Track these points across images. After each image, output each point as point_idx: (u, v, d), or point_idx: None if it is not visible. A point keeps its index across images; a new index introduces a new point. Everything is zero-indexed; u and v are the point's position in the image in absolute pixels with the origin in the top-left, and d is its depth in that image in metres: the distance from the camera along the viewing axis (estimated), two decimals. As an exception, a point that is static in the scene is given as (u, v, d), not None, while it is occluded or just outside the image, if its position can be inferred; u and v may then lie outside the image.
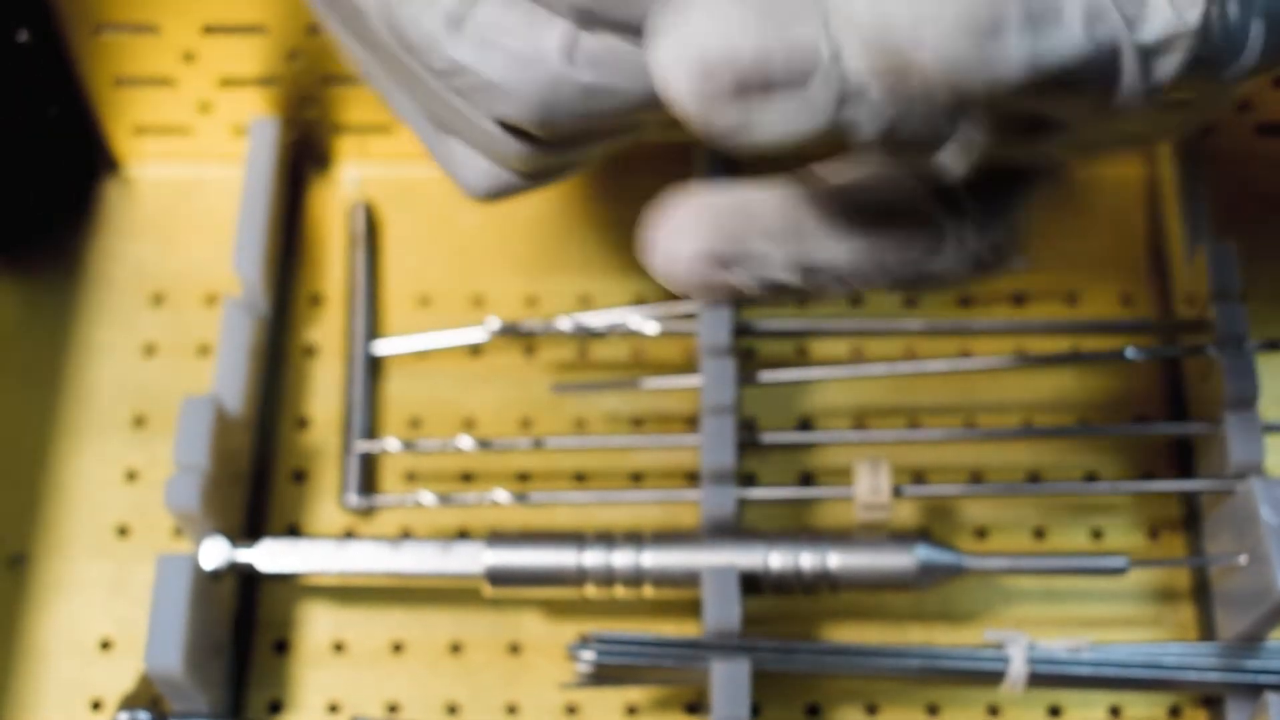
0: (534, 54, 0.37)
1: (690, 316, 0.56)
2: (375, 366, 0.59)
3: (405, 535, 0.56)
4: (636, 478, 0.57)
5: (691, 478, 0.56)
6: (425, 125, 0.43)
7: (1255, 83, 0.58)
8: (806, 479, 0.57)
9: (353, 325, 0.59)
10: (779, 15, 0.32)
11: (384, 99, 0.44)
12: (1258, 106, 0.59)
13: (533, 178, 0.42)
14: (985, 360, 0.55)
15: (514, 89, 0.38)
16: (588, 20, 0.37)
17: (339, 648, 0.55)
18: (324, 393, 0.58)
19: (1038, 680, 0.50)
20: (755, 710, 0.53)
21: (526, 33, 0.38)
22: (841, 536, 0.51)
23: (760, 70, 0.31)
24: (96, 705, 0.53)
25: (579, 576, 0.51)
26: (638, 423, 0.58)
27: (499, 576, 0.52)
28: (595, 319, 0.57)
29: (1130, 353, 0.54)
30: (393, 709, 0.54)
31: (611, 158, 0.62)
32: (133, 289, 0.60)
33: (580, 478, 0.57)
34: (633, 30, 0.37)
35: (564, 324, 0.57)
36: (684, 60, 0.32)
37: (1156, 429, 0.56)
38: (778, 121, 0.32)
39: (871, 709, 0.53)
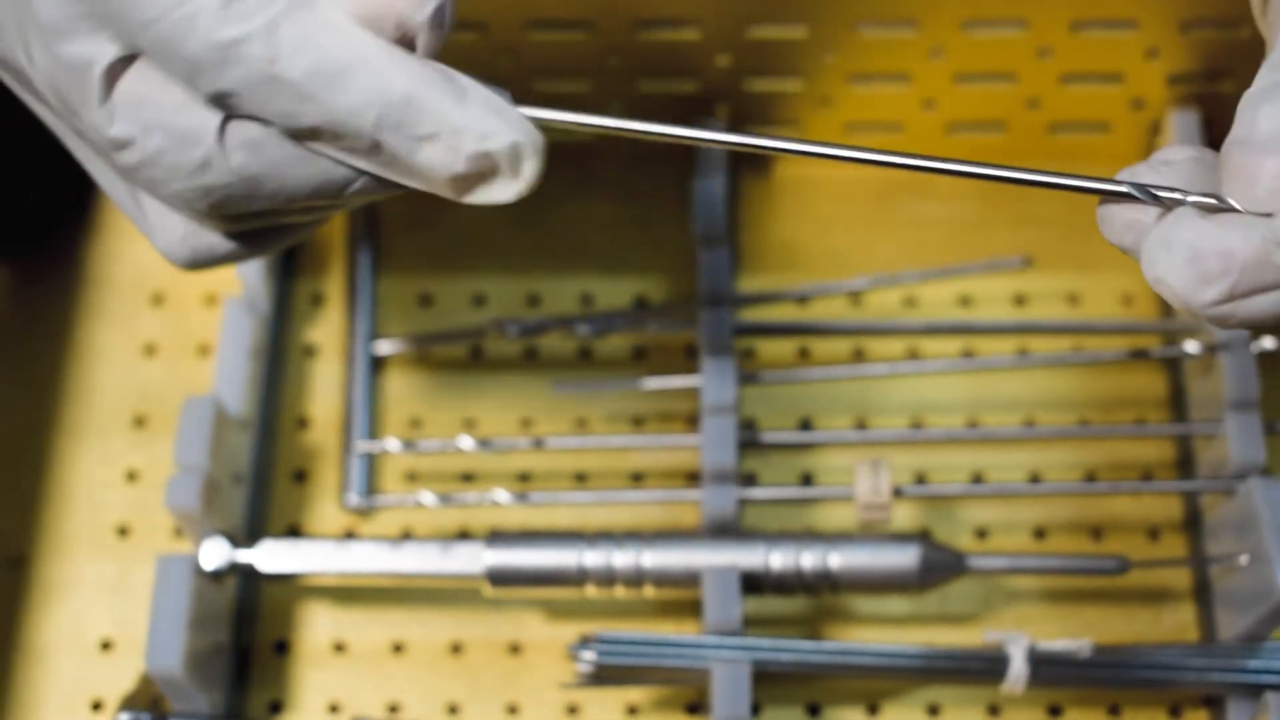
0: (189, 134, 0.38)
1: (690, 317, 0.56)
2: (376, 366, 0.59)
3: (406, 535, 0.56)
4: (637, 478, 0.57)
5: (692, 478, 0.56)
6: (119, 186, 0.41)
7: None
8: (807, 479, 0.57)
9: (353, 325, 0.59)
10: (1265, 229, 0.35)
11: (76, 157, 0.42)
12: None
13: (238, 246, 0.42)
14: (986, 360, 0.55)
15: (170, 170, 0.38)
16: (231, 108, 0.37)
17: (339, 648, 0.55)
18: (324, 392, 0.58)
19: (1038, 680, 0.50)
20: (755, 710, 0.53)
21: (180, 112, 0.38)
22: (842, 536, 0.51)
23: (1251, 276, 0.35)
24: (97, 705, 0.53)
25: (579, 576, 0.51)
26: (638, 422, 0.58)
27: (499, 576, 0.52)
28: (595, 318, 0.57)
29: (1131, 355, 0.54)
30: (393, 709, 0.54)
31: (611, 157, 0.62)
32: (133, 289, 0.60)
33: (581, 478, 0.57)
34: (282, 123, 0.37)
35: (564, 324, 0.57)
36: (1183, 264, 0.36)
37: (1157, 430, 0.56)
38: (1264, 307, 0.36)
39: (872, 708, 0.53)
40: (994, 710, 0.53)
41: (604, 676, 0.50)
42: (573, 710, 0.53)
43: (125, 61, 0.37)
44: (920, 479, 0.57)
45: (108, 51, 0.37)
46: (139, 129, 0.38)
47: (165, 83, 0.37)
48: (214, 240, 0.41)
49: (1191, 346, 0.54)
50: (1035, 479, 0.57)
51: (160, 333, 0.59)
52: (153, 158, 0.38)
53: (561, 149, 0.59)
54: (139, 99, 0.38)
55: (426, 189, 0.39)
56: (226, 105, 0.37)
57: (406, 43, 0.37)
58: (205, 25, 0.36)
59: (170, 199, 0.39)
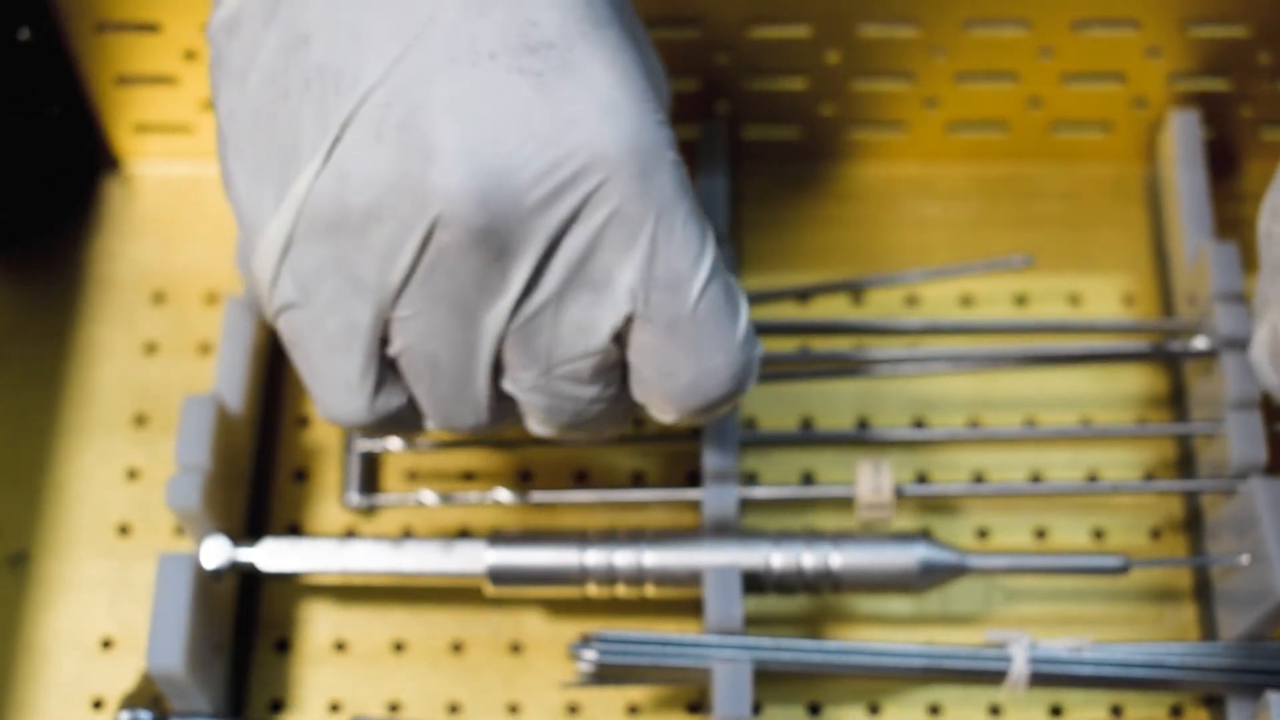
0: (345, 386, 0.45)
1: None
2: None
3: (407, 534, 0.56)
4: (638, 477, 0.57)
5: (693, 477, 0.56)
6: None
7: None
8: (808, 478, 0.57)
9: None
10: None
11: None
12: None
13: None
14: (987, 360, 0.55)
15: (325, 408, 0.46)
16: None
17: (340, 647, 0.55)
18: (325, 392, 0.58)
19: (1039, 680, 0.50)
20: (756, 709, 0.53)
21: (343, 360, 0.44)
22: (843, 536, 0.51)
23: None
24: (98, 704, 0.53)
25: (581, 575, 0.51)
26: (639, 422, 0.58)
27: (500, 576, 0.52)
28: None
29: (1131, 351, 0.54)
30: (394, 708, 0.54)
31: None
32: (134, 287, 0.60)
33: (582, 477, 0.57)
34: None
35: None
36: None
37: (1158, 429, 0.56)
38: None
39: (873, 708, 0.53)
40: (995, 710, 0.53)
41: (605, 676, 0.50)
42: (574, 709, 0.53)
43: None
44: (921, 478, 0.57)
45: None
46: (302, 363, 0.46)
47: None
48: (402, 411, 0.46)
49: (1194, 344, 0.54)
50: (1036, 478, 0.57)
51: (161, 331, 0.59)
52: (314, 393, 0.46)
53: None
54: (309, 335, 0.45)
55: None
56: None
57: None
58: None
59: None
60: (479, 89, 0.41)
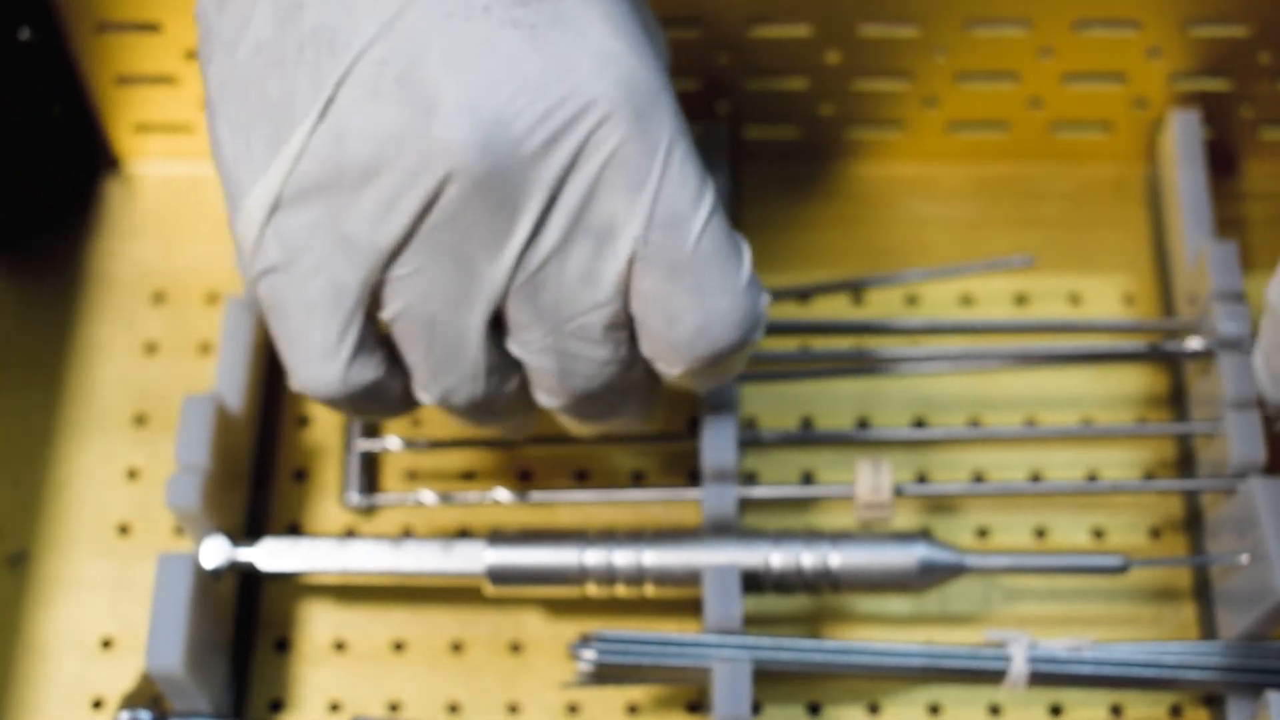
0: (321, 351, 0.44)
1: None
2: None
3: (406, 534, 0.56)
4: (638, 477, 0.57)
5: (693, 476, 0.56)
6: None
7: None
8: (808, 478, 0.57)
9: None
10: None
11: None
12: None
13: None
14: (987, 360, 0.55)
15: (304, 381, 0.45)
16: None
17: (340, 647, 0.55)
18: (325, 391, 0.58)
19: (1039, 679, 0.50)
20: (756, 709, 0.53)
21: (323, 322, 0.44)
22: (843, 535, 0.51)
23: None
24: (98, 704, 0.53)
25: (580, 575, 0.51)
26: (639, 422, 0.58)
27: (500, 575, 0.52)
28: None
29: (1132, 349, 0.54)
30: (394, 708, 0.54)
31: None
32: (134, 287, 0.60)
33: (582, 476, 0.57)
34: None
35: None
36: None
37: (1158, 429, 0.56)
38: None
39: (873, 708, 0.53)
40: (995, 710, 0.53)
41: (604, 675, 0.50)
42: (573, 709, 0.53)
43: None
44: (921, 478, 0.57)
45: None
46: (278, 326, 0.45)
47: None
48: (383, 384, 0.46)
49: (1193, 343, 0.54)
50: (1036, 478, 0.57)
51: (161, 331, 0.59)
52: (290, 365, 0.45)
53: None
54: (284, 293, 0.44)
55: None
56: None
57: None
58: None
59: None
60: (474, 42, 0.41)
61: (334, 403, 0.45)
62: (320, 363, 0.44)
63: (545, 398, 0.46)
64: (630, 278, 0.43)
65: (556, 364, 0.45)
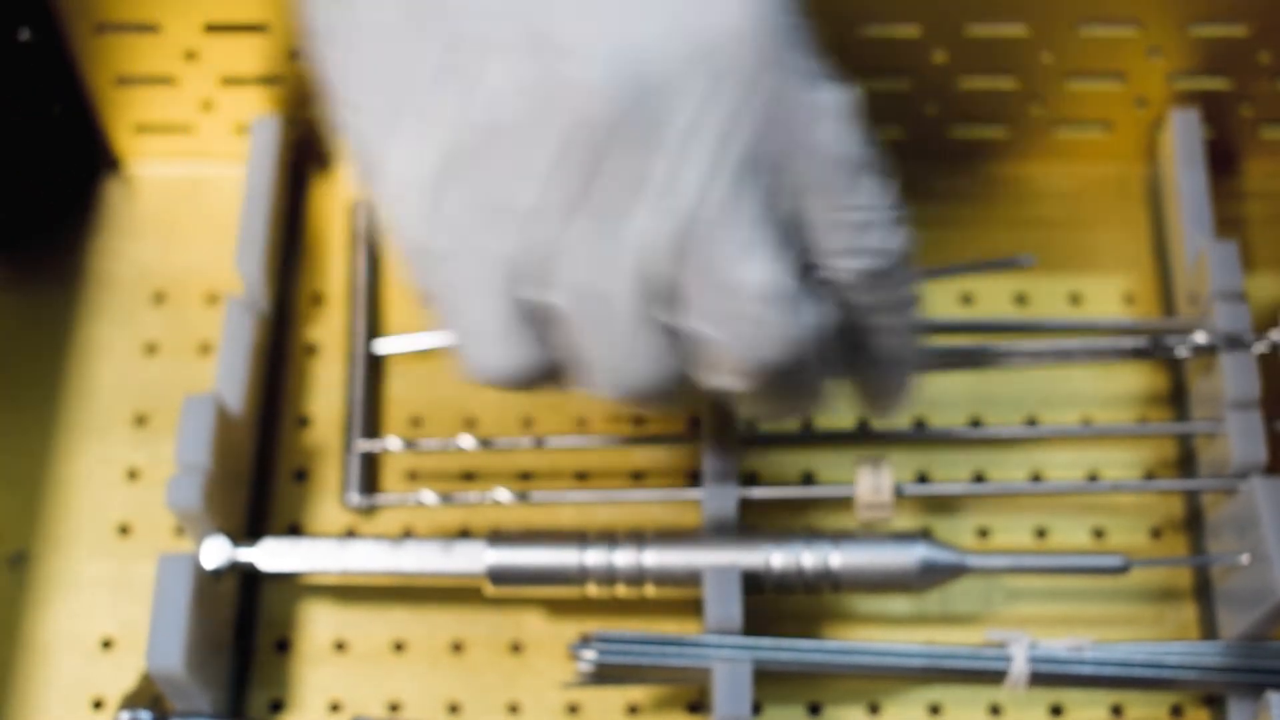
0: (492, 335, 0.42)
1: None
2: (377, 365, 0.59)
3: (407, 534, 0.56)
4: (638, 476, 0.57)
5: (693, 476, 0.56)
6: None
7: None
8: (808, 478, 0.57)
9: (354, 324, 0.59)
10: None
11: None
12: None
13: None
14: (990, 358, 0.55)
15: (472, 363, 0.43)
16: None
17: (340, 647, 0.55)
18: (325, 391, 0.58)
19: (1039, 679, 0.50)
20: (757, 709, 0.53)
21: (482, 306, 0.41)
22: (843, 535, 0.51)
23: None
24: (98, 704, 0.53)
25: (581, 575, 0.51)
26: (639, 421, 0.58)
27: (500, 575, 0.52)
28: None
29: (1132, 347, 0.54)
30: (394, 708, 0.54)
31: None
32: (134, 288, 0.60)
33: (582, 476, 0.57)
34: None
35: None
36: None
37: (1158, 428, 0.56)
38: None
39: (873, 708, 0.53)
40: (995, 710, 0.53)
41: (605, 675, 0.50)
42: (574, 709, 0.53)
43: None
44: (921, 478, 0.57)
45: None
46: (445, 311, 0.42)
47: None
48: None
49: (1197, 337, 0.54)
50: (1036, 478, 0.57)
51: (161, 331, 0.59)
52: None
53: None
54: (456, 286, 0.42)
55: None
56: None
57: None
58: None
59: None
60: None
61: (508, 385, 0.42)
62: (490, 345, 0.42)
63: (722, 378, 0.42)
64: (799, 216, 0.41)
65: (728, 331, 0.41)
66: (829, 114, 0.41)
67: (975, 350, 0.55)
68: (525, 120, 0.39)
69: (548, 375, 0.42)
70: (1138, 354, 0.55)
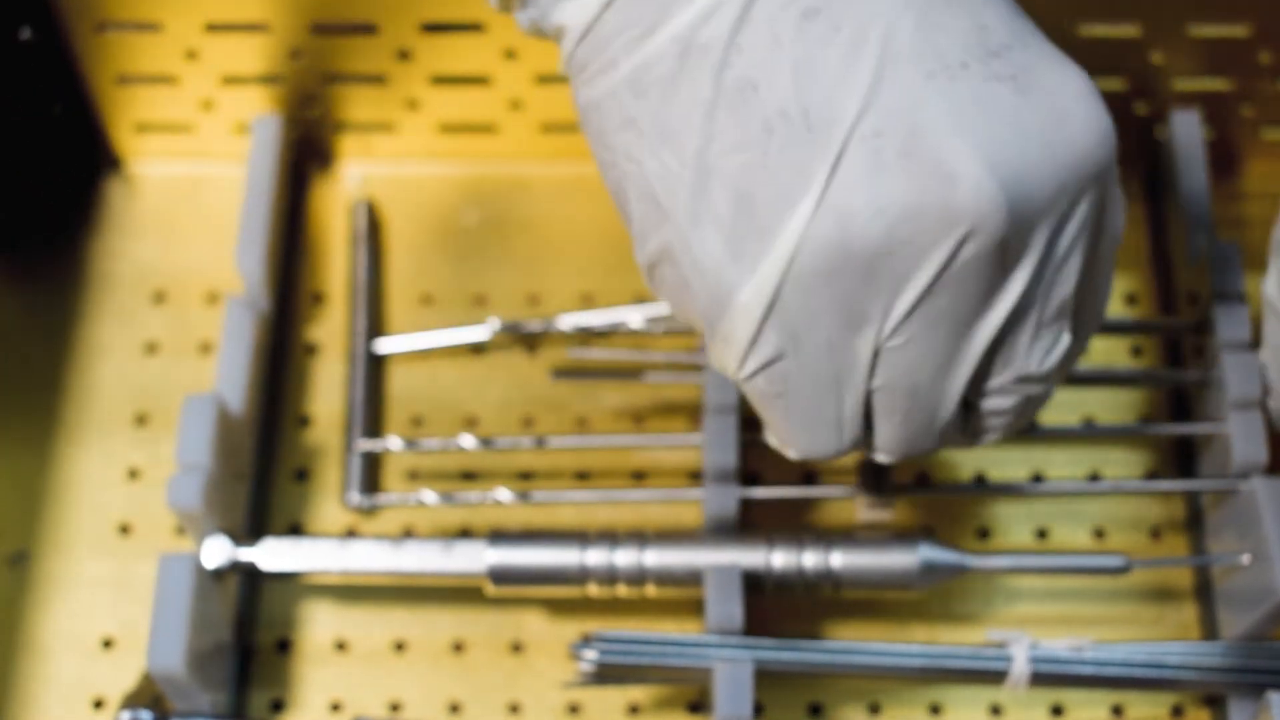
0: (835, 425, 0.44)
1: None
2: (377, 365, 0.59)
3: (407, 534, 0.56)
4: (639, 476, 0.57)
5: (694, 476, 0.56)
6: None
7: None
8: (809, 478, 0.57)
9: (355, 324, 0.59)
10: None
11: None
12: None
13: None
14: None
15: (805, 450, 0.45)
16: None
17: (341, 646, 0.55)
18: (326, 391, 0.58)
19: (1040, 680, 0.50)
20: (757, 709, 0.53)
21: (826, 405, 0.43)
22: (844, 536, 0.51)
23: None
24: (98, 704, 0.53)
25: (581, 575, 0.51)
26: (640, 421, 0.58)
27: (501, 575, 0.52)
28: (596, 318, 0.57)
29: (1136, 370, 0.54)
30: (395, 708, 0.54)
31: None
32: (135, 287, 0.60)
33: (583, 476, 0.57)
34: None
35: (565, 323, 0.57)
36: None
37: (1159, 429, 0.56)
38: None
39: (874, 708, 0.53)
40: (996, 710, 0.53)
41: (606, 675, 0.50)
42: (574, 709, 0.53)
43: None
44: (922, 478, 0.57)
45: None
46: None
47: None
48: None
49: (1191, 375, 0.54)
50: (1037, 478, 0.57)
51: (162, 331, 0.59)
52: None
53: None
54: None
55: None
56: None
57: None
58: None
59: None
60: (968, 101, 0.39)
61: (818, 460, 0.45)
62: (834, 435, 0.44)
63: (990, 437, 0.46)
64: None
65: (1016, 401, 0.44)
66: (1118, 201, 0.43)
67: None
68: (897, 240, 0.40)
69: (848, 451, 0.45)
70: (1135, 378, 0.55)
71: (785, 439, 0.45)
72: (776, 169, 0.40)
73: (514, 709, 0.54)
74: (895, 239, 0.39)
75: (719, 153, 0.40)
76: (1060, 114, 0.40)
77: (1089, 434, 0.57)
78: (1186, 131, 0.58)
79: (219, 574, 0.51)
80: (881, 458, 0.46)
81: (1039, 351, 0.43)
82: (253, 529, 0.56)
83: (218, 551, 0.51)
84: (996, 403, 0.44)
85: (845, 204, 0.39)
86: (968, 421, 0.45)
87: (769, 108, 0.40)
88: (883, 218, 0.39)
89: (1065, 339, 0.43)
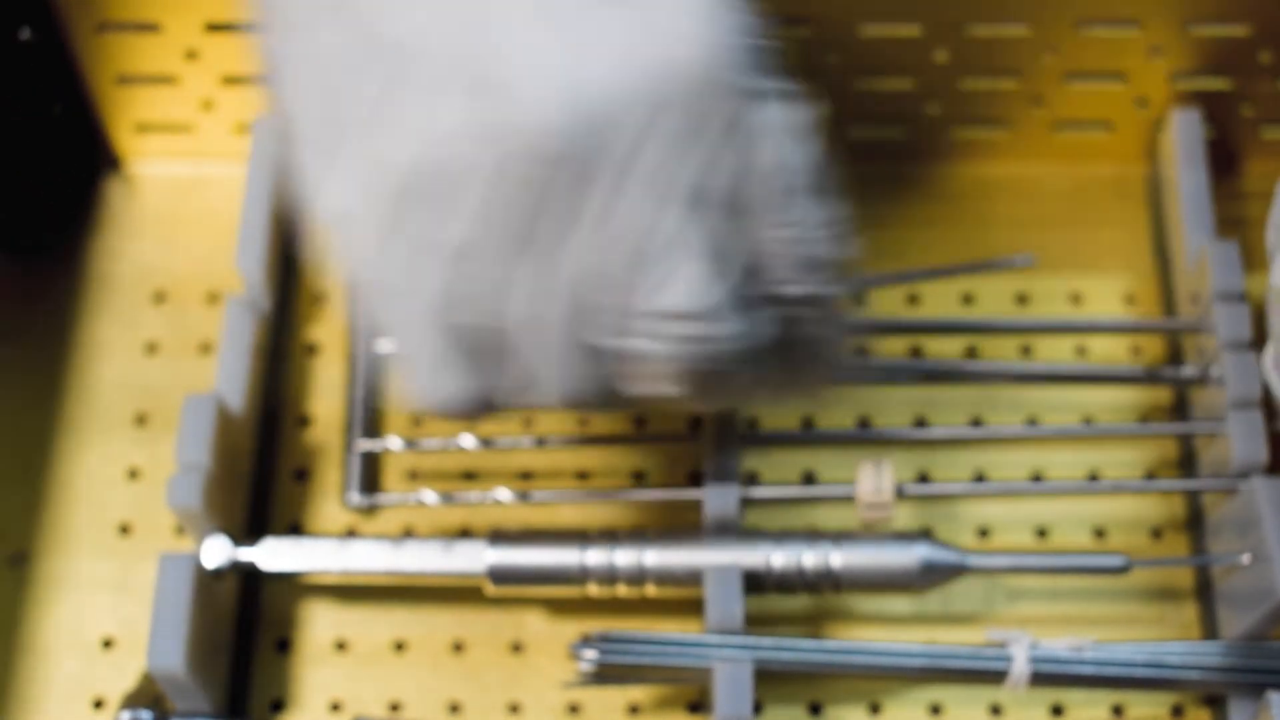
0: (433, 365, 0.43)
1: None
2: (377, 364, 0.59)
3: (407, 534, 0.56)
4: (639, 476, 0.57)
5: (694, 476, 0.56)
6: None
7: None
8: (809, 478, 0.57)
9: (355, 323, 0.59)
10: None
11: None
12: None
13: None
14: (991, 363, 0.55)
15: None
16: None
17: (341, 646, 0.55)
18: (326, 391, 0.58)
19: (1040, 679, 0.50)
20: (757, 709, 0.53)
21: None
22: (844, 535, 0.51)
23: None
24: (99, 704, 0.53)
25: (581, 575, 0.51)
26: (640, 421, 0.58)
27: (501, 575, 0.52)
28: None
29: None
30: (395, 708, 0.54)
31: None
32: (135, 287, 0.60)
33: (583, 476, 0.57)
34: None
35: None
36: None
37: (1159, 428, 0.56)
38: None
39: (874, 708, 0.53)
40: (996, 709, 0.53)
41: (606, 675, 0.50)
42: (574, 709, 0.53)
43: None
44: (922, 477, 0.57)
45: None
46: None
47: None
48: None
49: (1188, 370, 0.54)
50: (1037, 478, 0.57)
51: (162, 331, 0.59)
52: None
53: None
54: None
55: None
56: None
57: None
58: None
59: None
60: (538, 19, 0.40)
61: (447, 413, 0.44)
62: (431, 377, 0.43)
63: (656, 385, 0.43)
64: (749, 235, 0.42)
65: (657, 350, 0.42)
66: (773, 133, 0.42)
67: (955, 370, 0.55)
68: (470, 161, 0.40)
69: (485, 404, 0.44)
70: (1135, 378, 0.55)
71: (407, 381, 0.44)
72: (369, 92, 0.41)
73: (514, 709, 0.54)
74: (464, 161, 0.40)
75: (328, 73, 0.41)
76: (651, 26, 0.40)
77: (1089, 434, 0.57)
78: (1186, 131, 0.58)
79: (219, 574, 0.51)
80: (521, 397, 0.44)
81: (657, 286, 0.41)
82: (252, 529, 0.56)
83: (218, 551, 0.51)
84: (633, 344, 0.42)
85: (412, 128, 0.40)
86: (625, 364, 0.43)
87: (370, 36, 0.41)
88: (449, 141, 0.40)
89: (695, 273, 0.41)
